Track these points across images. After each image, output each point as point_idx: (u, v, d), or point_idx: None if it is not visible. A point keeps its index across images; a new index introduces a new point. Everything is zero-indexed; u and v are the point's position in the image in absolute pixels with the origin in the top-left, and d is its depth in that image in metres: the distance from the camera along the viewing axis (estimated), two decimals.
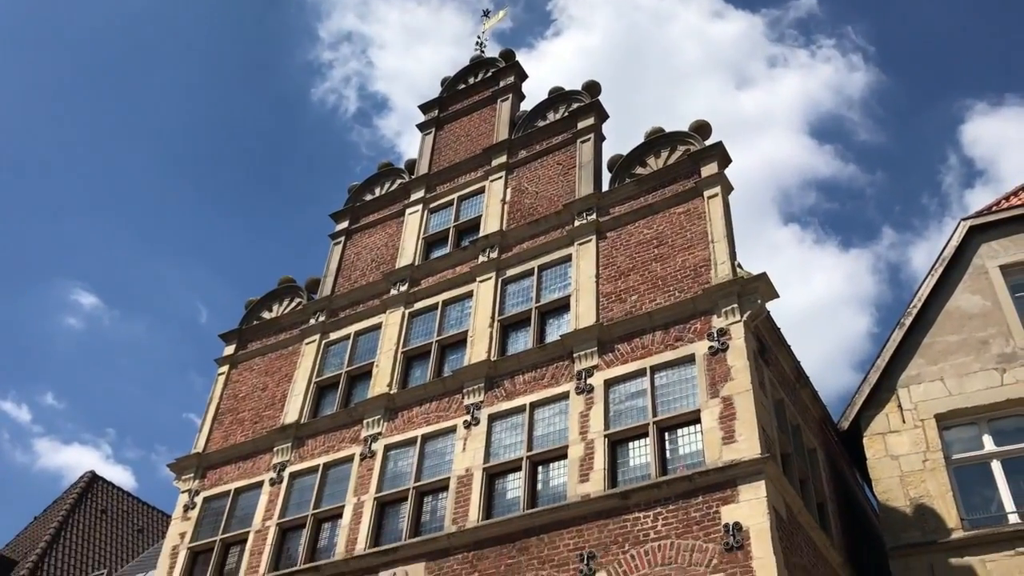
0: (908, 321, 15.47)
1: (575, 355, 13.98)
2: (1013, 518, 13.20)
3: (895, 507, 13.94)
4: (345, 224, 20.27)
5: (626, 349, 13.64)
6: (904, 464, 14.23)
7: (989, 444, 14.02)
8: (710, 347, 12.75)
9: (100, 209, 70.59)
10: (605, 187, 16.27)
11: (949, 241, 15.99)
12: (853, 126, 68.24)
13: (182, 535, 16.57)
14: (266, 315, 19.71)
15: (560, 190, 16.90)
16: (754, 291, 12.99)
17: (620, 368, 13.46)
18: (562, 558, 11.92)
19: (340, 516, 14.80)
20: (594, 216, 15.69)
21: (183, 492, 17.31)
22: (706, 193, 14.64)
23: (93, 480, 31.77)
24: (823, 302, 61.17)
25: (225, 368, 19.25)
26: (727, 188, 14.76)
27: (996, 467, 13.78)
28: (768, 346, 13.78)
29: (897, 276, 66.87)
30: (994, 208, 16.30)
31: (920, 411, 14.57)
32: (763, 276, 13.03)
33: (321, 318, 18.42)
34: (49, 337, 72.12)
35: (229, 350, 19.55)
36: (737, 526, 10.85)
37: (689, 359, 12.89)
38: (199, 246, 74.13)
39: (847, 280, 64.44)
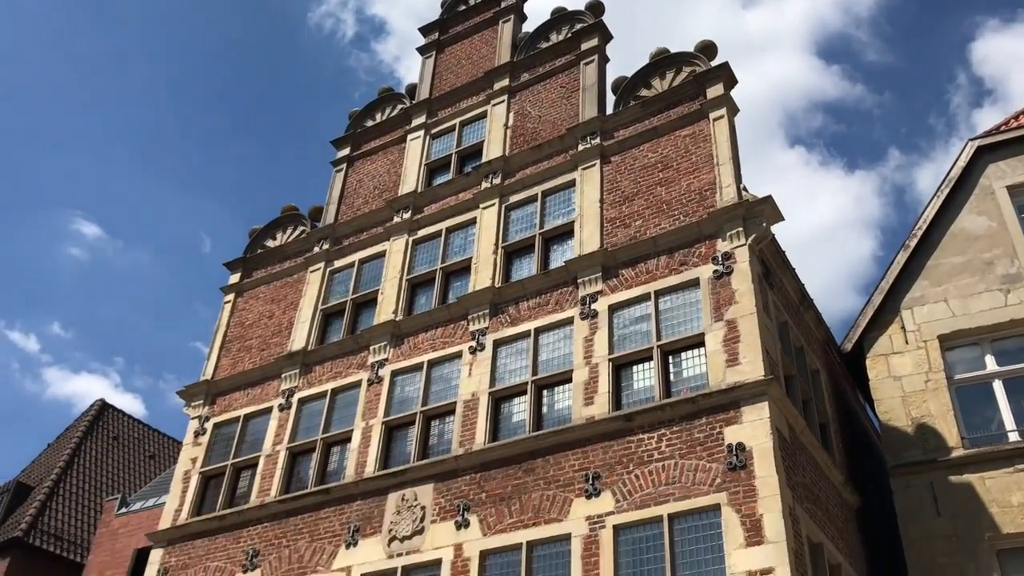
0: (913, 243, 15.44)
1: (579, 281, 14.00)
2: (1013, 436, 13.37)
3: (896, 427, 14.11)
4: (346, 151, 20.10)
5: (630, 274, 13.66)
6: (906, 384, 14.36)
7: (991, 364, 14.12)
8: (714, 271, 12.75)
9: (97, 138, 70.08)
10: (609, 110, 16.07)
11: (956, 161, 15.84)
12: (861, 46, 67.07)
13: (193, 460, 16.88)
14: (270, 243, 19.72)
15: (563, 114, 16.69)
16: (759, 214, 12.92)
17: (624, 293, 13.49)
18: (567, 478, 12.14)
19: (349, 440, 15.04)
20: (598, 140, 15.53)
21: (193, 419, 17.57)
22: (711, 115, 14.46)
23: (103, 408, 32.19)
24: (828, 225, 61.07)
25: (231, 296, 19.34)
26: (733, 110, 14.57)
27: (998, 387, 13.90)
28: (773, 269, 13.78)
29: (902, 198, 66.58)
30: (1003, 128, 16.11)
31: (923, 332, 14.65)
32: (768, 199, 12.95)
33: (325, 246, 18.41)
34: (53, 267, 72.41)
35: (234, 278, 19.62)
36: (740, 446, 11.01)
37: (693, 283, 12.91)
38: (199, 175, 73.78)
39: (853, 203, 64.21)
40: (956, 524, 12.93)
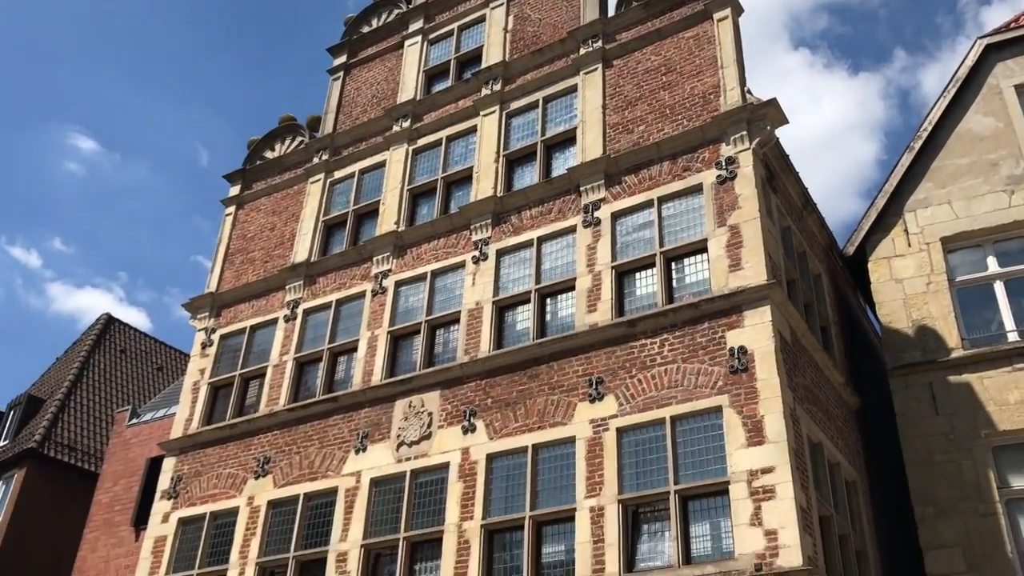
0: (918, 145, 15.30)
1: (582, 188, 13.93)
2: (1012, 336, 13.50)
3: (897, 329, 14.24)
4: (343, 59, 19.73)
5: (633, 181, 13.58)
6: (908, 287, 14.43)
7: (993, 266, 14.17)
8: (718, 176, 12.67)
9: (89, 50, 68.76)
10: (611, 12, 15.70)
11: (964, 60, 15.55)
12: None
13: (202, 371, 17.10)
14: (269, 155, 19.54)
15: (564, 16, 16.33)
16: (763, 117, 12.76)
17: (627, 200, 13.44)
18: (571, 383, 12.32)
19: (355, 350, 15.20)
20: (600, 43, 15.23)
21: (199, 331, 17.72)
22: (716, 15, 14.14)
23: (110, 322, 32.48)
24: (832, 128, 60.39)
25: (232, 209, 19.28)
26: (737, 10, 14.24)
27: (999, 288, 13.98)
28: (776, 173, 13.68)
29: (907, 101, 65.63)
30: (1012, 25, 15.76)
31: (926, 235, 14.65)
32: (772, 102, 12.77)
33: (324, 157, 18.25)
34: (51, 183, 72.05)
35: (234, 191, 19.51)
36: (742, 350, 11.14)
37: (697, 189, 12.85)
38: (193, 86, 72.65)
39: (856, 106, 63.34)
40: (954, 422, 13.18)
